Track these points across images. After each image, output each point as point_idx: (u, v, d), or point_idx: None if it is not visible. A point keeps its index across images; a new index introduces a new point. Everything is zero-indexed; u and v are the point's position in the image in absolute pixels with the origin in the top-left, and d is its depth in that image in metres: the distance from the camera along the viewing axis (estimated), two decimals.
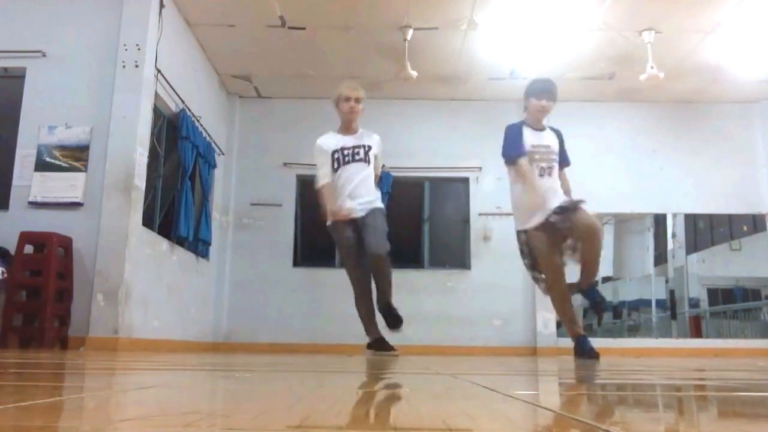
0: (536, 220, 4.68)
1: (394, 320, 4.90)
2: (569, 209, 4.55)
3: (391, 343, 5.06)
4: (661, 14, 7.15)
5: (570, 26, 7.43)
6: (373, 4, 7.07)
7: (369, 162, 4.96)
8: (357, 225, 4.85)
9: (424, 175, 9.23)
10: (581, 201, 4.62)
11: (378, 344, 5.03)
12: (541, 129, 4.91)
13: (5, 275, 5.10)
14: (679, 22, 7.28)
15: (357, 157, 4.93)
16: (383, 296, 4.91)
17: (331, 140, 4.99)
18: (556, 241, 4.75)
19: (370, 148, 4.99)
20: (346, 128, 5.04)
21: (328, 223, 4.92)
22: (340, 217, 4.78)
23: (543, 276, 4.88)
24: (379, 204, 4.95)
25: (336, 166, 4.90)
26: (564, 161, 4.95)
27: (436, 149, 9.27)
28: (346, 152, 4.92)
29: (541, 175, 4.71)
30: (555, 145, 4.87)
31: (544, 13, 7.14)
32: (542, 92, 4.84)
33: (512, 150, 4.77)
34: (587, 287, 4.77)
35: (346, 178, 4.88)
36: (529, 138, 4.81)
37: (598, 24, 7.34)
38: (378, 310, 5.00)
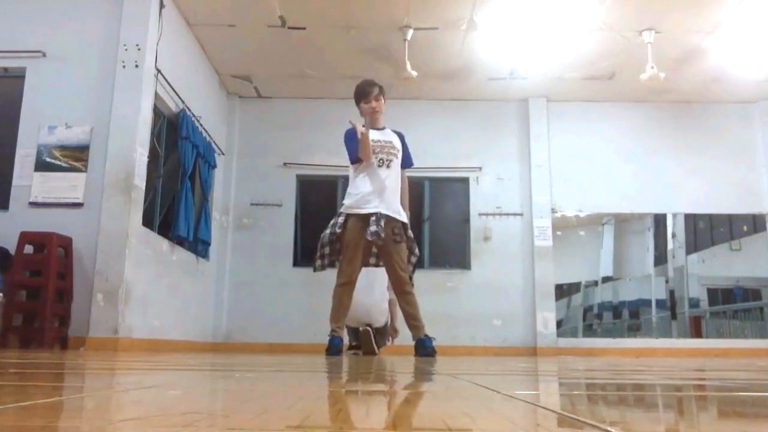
0: (363, 211, 4.76)
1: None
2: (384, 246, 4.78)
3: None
4: (661, 14, 7.15)
5: (570, 26, 7.43)
6: (373, 4, 7.07)
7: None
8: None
9: (423, 175, 9.22)
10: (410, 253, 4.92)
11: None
12: (381, 129, 5.03)
13: (3, 299, 5.10)
14: (679, 22, 7.28)
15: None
16: None
17: None
18: (368, 244, 4.84)
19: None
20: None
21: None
22: None
23: (323, 263, 4.96)
24: None
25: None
26: (407, 162, 5.09)
27: (436, 149, 9.26)
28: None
29: (380, 166, 4.85)
30: (397, 143, 5.00)
31: (544, 13, 7.14)
32: (368, 95, 4.97)
33: (354, 155, 4.87)
34: (418, 340, 4.87)
35: None
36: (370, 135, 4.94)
37: (598, 24, 7.34)
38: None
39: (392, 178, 4.87)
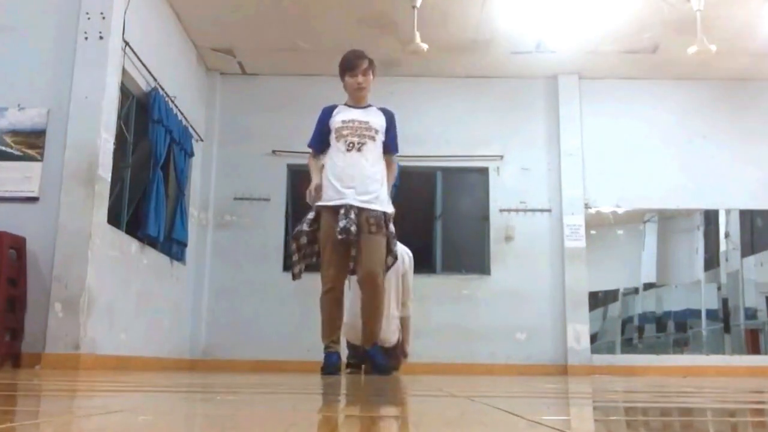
0: (332, 203, 4.80)
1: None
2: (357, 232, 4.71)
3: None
4: None
5: None
6: None
7: None
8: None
9: (436, 165, 9.22)
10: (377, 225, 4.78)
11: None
12: (364, 107, 5.08)
13: None
14: None
15: None
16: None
17: None
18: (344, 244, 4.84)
19: None
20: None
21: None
22: None
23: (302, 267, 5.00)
24: None
25: None
26: (389, 146, 5.09)
27: (450, 134, 9.25)
28: None
29: (348, 150, 4.86)
30: (377, 123, 5.00)
31: None
32: (354, 68, 5.01)
33: (311, 139, 5.13)
34: (369, 347, 4.91)
35: None
36: (342, 115, 5.00)
37: None
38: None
39: (366, 164, 4.86)
